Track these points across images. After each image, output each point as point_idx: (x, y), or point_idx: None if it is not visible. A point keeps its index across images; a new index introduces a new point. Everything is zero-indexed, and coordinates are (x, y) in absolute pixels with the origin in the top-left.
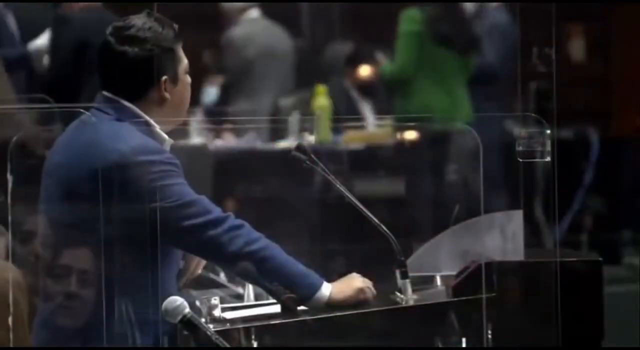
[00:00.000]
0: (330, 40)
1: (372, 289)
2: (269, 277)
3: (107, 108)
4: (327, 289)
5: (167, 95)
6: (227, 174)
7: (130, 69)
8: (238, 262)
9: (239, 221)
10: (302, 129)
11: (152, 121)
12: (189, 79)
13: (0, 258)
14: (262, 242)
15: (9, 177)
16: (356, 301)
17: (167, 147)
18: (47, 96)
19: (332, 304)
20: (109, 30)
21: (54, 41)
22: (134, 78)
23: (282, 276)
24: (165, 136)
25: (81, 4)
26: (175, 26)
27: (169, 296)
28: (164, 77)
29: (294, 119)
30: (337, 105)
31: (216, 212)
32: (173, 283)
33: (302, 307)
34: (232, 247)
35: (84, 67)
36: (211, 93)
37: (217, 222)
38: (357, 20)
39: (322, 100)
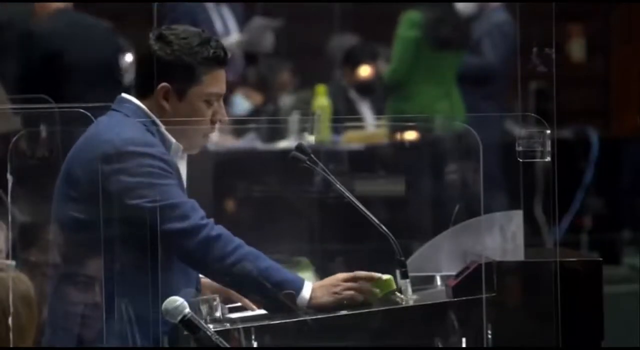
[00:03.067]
0: (330, 39)
1: (361, 291)
2: (244, 290)
3: (119, 107)
4: (307, 293)
5: (165, 104)
6: (227, 174)
7: (144, 63)
8: (211, 274)
9: (216, 231)
10: (302, 129)
11: (159, 122)
12: (205, 108)
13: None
14: (237, 255)
15: (9, 177)
16: (339, 303)
17: (176, 152)
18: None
19: (313, 308)
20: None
21: (27, 54)
22: (144, 73)
23: (257, 289)
24: (173, 140)
25: (49, 9)
26: (220, 54)
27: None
28: (164, 84)
29: (294, 119)
30: (336, 105)
31: (194, 220)
32: (178, 282)
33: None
34: (205, 259)
35: (62, 73)
36: (240, 103)
37: (191, 232)
38: (357, 19)
39: (322, 100)
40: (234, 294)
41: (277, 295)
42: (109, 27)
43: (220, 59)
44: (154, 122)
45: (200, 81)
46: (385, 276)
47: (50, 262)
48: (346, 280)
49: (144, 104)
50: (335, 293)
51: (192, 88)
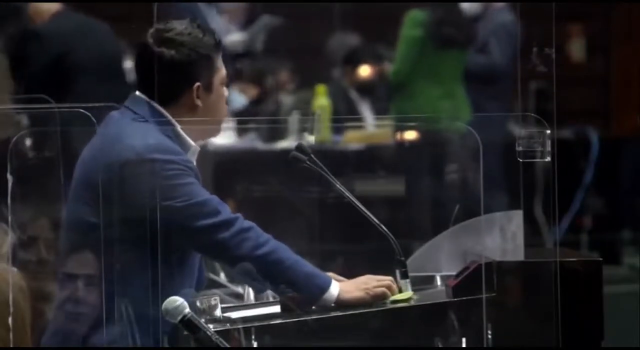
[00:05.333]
0: (330, 39)
1: (390, 289)
2: (276, 281)
3: (136, 108)
4: (335, 290)
5: (198, 102)
6: (227, 174)
7: (165, 71)
8: (245, 266)
9: (247, 223)
10: (302, 129)
11: (178, 126)
12: (225, 91)
13: (3, 257)
14: (270, 246)
15: (9, 177)
16: (365, 303)
17: (194, 154)
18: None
19: (340, 304)
20: (150, 31)
21: (32, 55)
22: (168, 81)
23: (289, 279)
24: (192, 142)
25: (49, 12)
26: (217, 36)
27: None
28: (198, 84)
29: (294, 119)
30: (336, 105)
31: (225, 213)
32: (186, 283)
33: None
34: (239, 250)
35: (68, 73)
36: (236, 99)
37: (225, 224)
38: (357, 19)
39: (322, 100)
40: None
41: (304, 289)
42: (108, 27)
43: (220, 42)
44: (174, 128)
45: (217, 68)
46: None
47: (60, 264)
48: (379, 280)
49: (170, 109)
50: (366, 289)
51: (214, 77)
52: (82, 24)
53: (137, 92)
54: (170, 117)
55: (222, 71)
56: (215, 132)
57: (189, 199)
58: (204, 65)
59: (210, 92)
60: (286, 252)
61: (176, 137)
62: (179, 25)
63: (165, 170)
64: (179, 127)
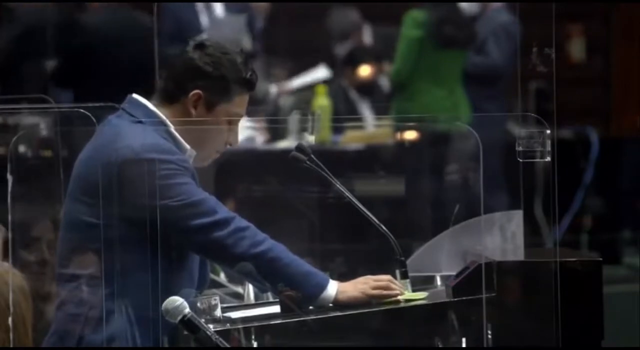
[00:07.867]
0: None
1: (389, 289)
2: (274, 279)
3: (132, 110)
4: (333, 289)
5: (193, 111)
6: (227, 174)
7: (180, 67)
8: (243, 264)
9: (244, 223)
10: (302, 129)
11: (172, 127)
12: (230, 131)
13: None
14: (267, 244)
15: (9, 177)
16: (363, 303)
17: (190, 158)
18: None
19: (338, 304)
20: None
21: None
22: (176, 76)
23: (287, 277)
24: (187, 146)
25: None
26: (254, 79)
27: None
28: (197, 91)
29: (294, 119)
30: (336, 105)
31: (222, 212)
32: (186, 283)
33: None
34: (237, 249)
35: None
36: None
37: (222, 223)
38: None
39: (322, 100)
40: None
41: (303, 287)
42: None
43: (252, 84)
44: (169, 131)
45: (231, 99)
46: (420, 294)
47: (58, 264)
48: (376, 280)
49: (167, 109)
50: (364, 289)
51: (222, 104)
52: (128, 17)
53: (134, 95)
54: (165, 119)
55: (234, 107)
56: (203, 160)
57: (185, 198)
58: (215, 83)
59: (209, 113)
60: (283, 252)
61: (172, 139)
62: (223, 46)
63: (162, 170)
64: (172, 128)
